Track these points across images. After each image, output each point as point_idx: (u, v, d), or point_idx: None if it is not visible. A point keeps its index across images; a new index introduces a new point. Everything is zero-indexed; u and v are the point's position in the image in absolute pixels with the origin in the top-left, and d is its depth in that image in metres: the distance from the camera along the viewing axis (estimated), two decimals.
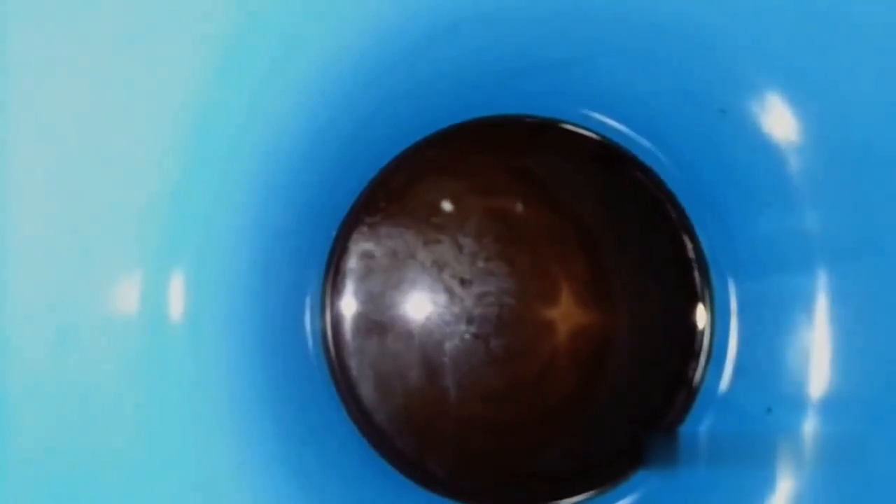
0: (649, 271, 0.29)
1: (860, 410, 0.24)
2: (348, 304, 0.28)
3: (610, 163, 0.29)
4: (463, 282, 0.28)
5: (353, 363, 0.28)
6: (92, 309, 0.21)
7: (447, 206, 0.29)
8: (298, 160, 0.24)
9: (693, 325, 0.29)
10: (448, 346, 0.28)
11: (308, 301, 0.28)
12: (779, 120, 0.24)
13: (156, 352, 0.21)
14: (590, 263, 0.29)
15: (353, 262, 0.28)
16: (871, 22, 0.22)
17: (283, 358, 0.26)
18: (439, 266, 0.28)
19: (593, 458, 0.29)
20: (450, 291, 0.28)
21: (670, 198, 0.29)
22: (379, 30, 0.22)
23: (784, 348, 0.25)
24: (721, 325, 0.28)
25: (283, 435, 0.25)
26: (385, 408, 0.28)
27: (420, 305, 0.28)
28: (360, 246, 0.28)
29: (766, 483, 0.24)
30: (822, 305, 0.24)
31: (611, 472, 0.28)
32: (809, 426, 0.24)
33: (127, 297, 0.21)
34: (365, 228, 0.28)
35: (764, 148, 0.24)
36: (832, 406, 0.24)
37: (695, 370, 0.28)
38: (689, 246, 0.29)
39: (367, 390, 0.28)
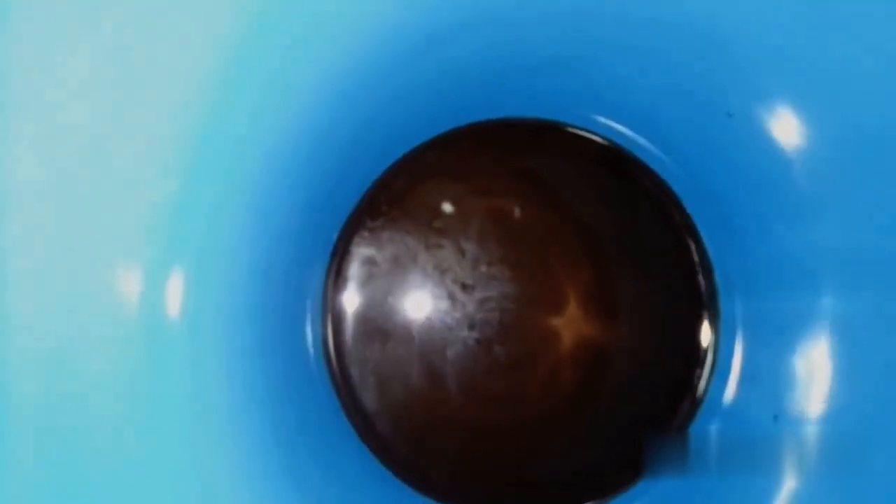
0: (654, 277, 0.29)
1: (864, 424, 0.24)
2: (349, 310, 0.28)
3: (615, 166, 0.29)
4: (465, 287, 0.28)
5: (354, 369, 0.28)
6: (91, 311, 0.21)
7: (449, 209, 0.28)
8: (299, 163, 0.24)
9: (698, 331, 0.28)
10: (450, 352, 0.28)
11: (309, 306, 0.28)
12: (788, 128, 0.23)
13: (154, 357, 0.21)
14: (594, 268, 0.29)
15: (354, 267, 0.28)
16: (887, 32, 0.21)
17: (283, 363, 0.26)
18: (441, 271, 0.28)
19: (597, 466, 0.28)
20: (452, 297, 0.28)
21: (675, 202, 0.29)
22: (380, 31, 0.22)
23: (790, 357, 0.25)
24: (726, 332, 0.28)
25: (283, 441, 0.24)
26: (386, 414, 0.28)
27: (422, 311, 0.28)
28: (362, 250, 0.28)
29: (773, 489, 0.24)
30: (830, 315, 0.24)
31: (614, 480, 0.28)
32: (814, 434, 0.24)
33: (126, 301, 0.21)
34: (366, 233, 0.28)
35: (773, 155, 0.24)
36: (837, 417, 0.24)
37: (699, 378, 0.28)
38: (695, 251, 0.29)
39: (368, 396, 0.28)
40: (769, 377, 0.26)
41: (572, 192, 0.29)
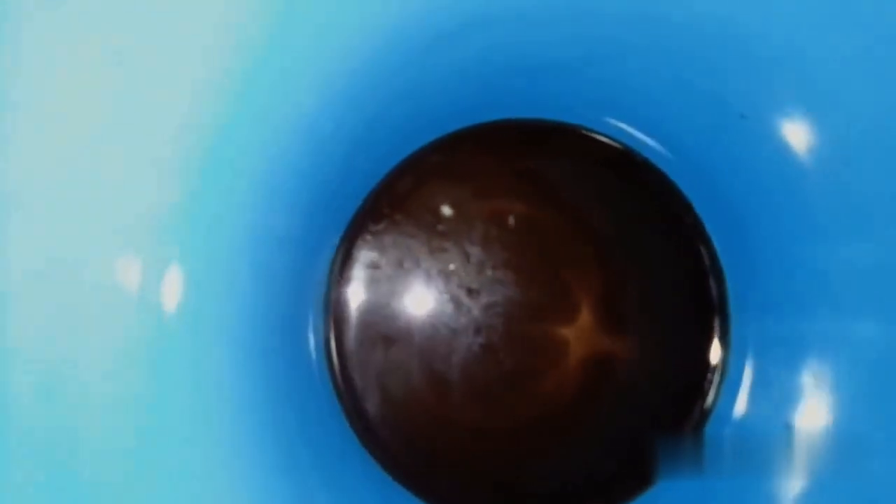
0: (663, 282, 0.28)
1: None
2: (352, 314, 0.28)
3: (623, 168, 0.28)
4: (470, 291, 0.27)
5: (356, 374, 0.27)
6: (91, 311, 0.20)
7: (454, 212, 0.28)
8: (300, 165, 0.24)
9: (708, 338, 0.28)
10: (454, 357, 0.27)
11: (311, 311, 0.27)
12: (803, 132, 0.23)
13: (155, 359, 0.21)
14: (602, 273, 0.28)
15: (357, 271, 0.28)
16: None
17: (284, 368, 0.26)
18: (446, 275, 0.27)
19: (604, 474, 0.28)
20: (456, 301, 0.27)
21: (686, 205, 0.28)
22: (384, 31, 0.22)
23: (801, 370, 0.24)
24: (737, 338, 0.27)
25: (283, 445, 0.24)
26: (388, 419, 0.27)
27: (425, 315, 0.27)
28: (365, 254, 0.28)
29: (784, 492, 0.24)
30: (840, 333, 0.24)
31: (622, 488, 0.27)
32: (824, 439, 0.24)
33: (126, 303, 0.21)
34: (369, 236, 0.28)
35: (787, 160, 0.23)
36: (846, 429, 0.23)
37: (709, 386, 0.28)
38: (706, 256, 0.28)
39: (370, 401, 0.27)
40: (779, 388, 0.25)
41: (579, 194, 0.29)
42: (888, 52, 0.21)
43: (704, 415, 0.27)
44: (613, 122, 0.28)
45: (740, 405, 0.27)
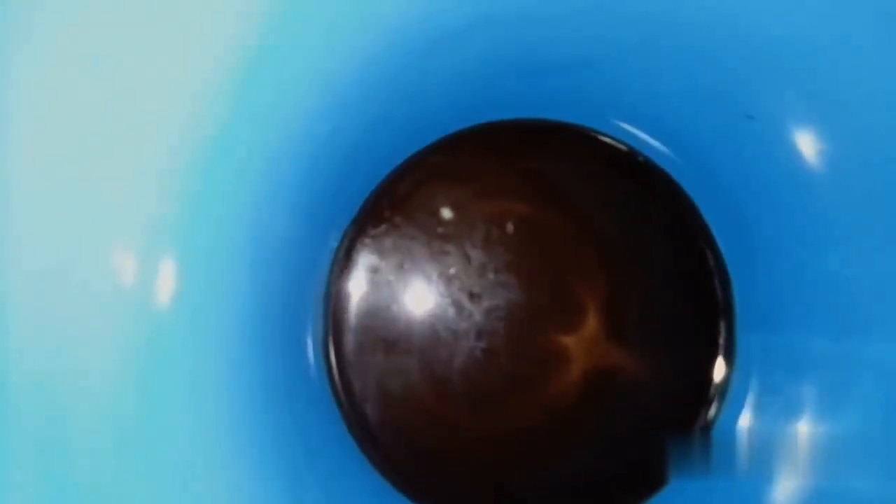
0: (667, 285, 0.28)
1: None
2: (351, 319, 0.27)
3: (627, 170, 0.28)
4: (472, 295, 0.27)
5: (356, 380, 0.27)
6: (88, 309, 0.20)
7: (455, 215, 0.27)
8: (301, 167, 0.23)
9: (713, 345, 0.27)
10: (456, 362, 0.27)
11: (309, 315, 0.27)
12: (810, 139, 0.22)
13: (152, 363, 0.21)
14: (605, 276, 0.28)
15: (357, 275, 0.27)
16: None
17: (282, 374, 0.26)
18: (447, 279, 0.27)
19: (608, 481, 0.27)
20: (458, 305, 0.27)
21: (691, 208, 0.27)
22: (386, 32, 0.22)
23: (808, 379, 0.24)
24: (742, 345, 0.27)
25: (281, 453, 0.24)
26: (390, 427, 0.27)
27: (427, 320, 0.27)
28: (364, 258, 0.27)
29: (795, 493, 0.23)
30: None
31: (626, 495, 0.27)
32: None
33: (122, 308, 0.20)
34: (369, 239, 0.27)
35: (796, 163, 0.23)
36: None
37: (714, 394, 0.27)
38: (711, 259, 0.27)
39: (370, 407, 0.27)
40: (784, 398, 0.25)
41: (583, 196, 0.28)
42: None
43: (709, 423, 0.27)
44: (617, 122, 0.27)
45: (744, 416, 0.26)
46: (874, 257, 0.22)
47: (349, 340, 0.27)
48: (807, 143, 0.23)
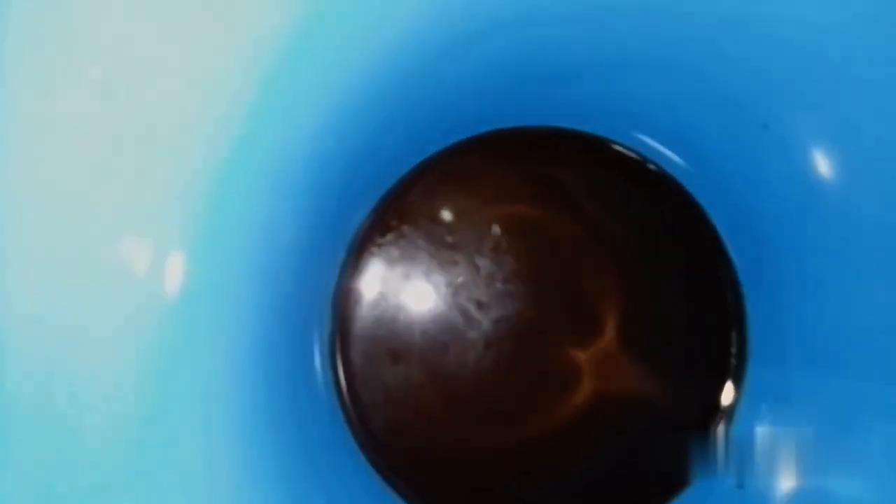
0: (679, 295, 0.28)
1: None
2: (359, 330, 0.27)
3: (640, 180, 0.27)
4: (480, 305, 0.27)
5: (363, 392, 0.27)
6: (92, 307, 0.20)
7: (463, 223, 0.27)
8: (309, 175, 0.23)
9: (725, 352, 0.27)
10: (464, 373, 0.27)
11: (317, 326, 0.27)
12: (826, 157, 0.22)
13: (157, 368, 0.21)
14: (615, 286, 0.27)
15: (364, 285, 0.27)
16: None
17: (289, 386, 0.25)
18: (455, 288, 0.27)
19: (615, 494, 0.27)
20: (466, 315, 0.27)
21: (703, 218, 0.27)
22: (396, 39, 0.21)
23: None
24: (755, 356, 0.26)
25: (287, 463, 0.24)
26: (398, 439, 0.27)
27: (434, 330, 0.27)
28: (372, 267, 0.27)
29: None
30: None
31: None
32: None
33: (125, 314, 0.20)
34: (376, 249, 0.27)
35: (812, 177, 0.22)
36: None
37: (723, 414, 0.27)
38: (723, 270, 0.27)
39: (378, 421, 0.27)
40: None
41: (592, 205, 0.28)
42: None
43: (718, 438, 0.27)
44: (630, 131, 0.27)
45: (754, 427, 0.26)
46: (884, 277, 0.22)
47: (356, 349, 0.27)
48: (822, 165, 0.22)
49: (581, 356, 0.27)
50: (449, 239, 0.27)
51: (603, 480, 0.27)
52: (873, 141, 0.21)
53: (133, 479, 0.20)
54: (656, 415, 0.27)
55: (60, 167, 0.19)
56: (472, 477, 0.27)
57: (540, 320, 0.27)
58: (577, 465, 0.27)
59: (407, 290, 0.27)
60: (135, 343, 0.20)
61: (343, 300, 0.27)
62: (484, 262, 0.27)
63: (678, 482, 0.26)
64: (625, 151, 0.27)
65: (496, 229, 0.27)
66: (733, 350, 0.27)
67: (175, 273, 0.21)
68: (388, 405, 0.27)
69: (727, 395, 0.27)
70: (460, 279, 0.27)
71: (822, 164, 0.22)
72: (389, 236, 0.27)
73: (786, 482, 0.24)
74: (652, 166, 0.27)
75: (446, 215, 0.27)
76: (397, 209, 0.27)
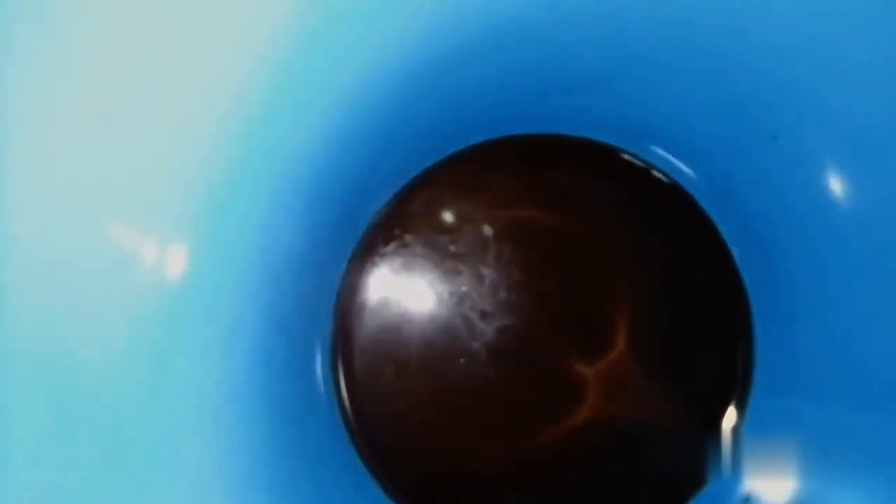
0: (685, 307, 0.27)
1: None
2: (361, 340, 0.27)
3: (646, 190, 0.27)
4: (483, 315, 0.26)
5: (364, 401, 0.27)
6: (93, 312, 0.20)
7: (466, 232, 0.27)
8: (311, 184, 0.23)
9: (732, 365, 0.26)
10: (467, 384, 0.26)
11: (318, 337, 0.26)
12: (840, 177, 0.22)
13: (154, 379, 0.21)
14: (621, 297, 0.27)
15: (366, 295, 0.27)
16: None
17: (291, 398, 0.25)
18: (458, 298, 0.26)
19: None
20: (469, 325, 0.26)
21: (711, 228, 0.27)
22: (402, 49, 0.21)
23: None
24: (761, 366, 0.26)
25: (287, 482, 0.23)
26: (399, 450, 0.26)
27: (438, 340, 0.26)
28: (374, 277, 0.27)
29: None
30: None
31: None
32: None
33: (124, 312, 0.20)
34: (379, 258, 0.27)
35: (822, 192, 0.22)
36: None
37: (734, 413, 0.26)
38: (730, 277, 0.27)
39: (380, 431, 0.26)
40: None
41: (599, 214, 0.27)
42: None
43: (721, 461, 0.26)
44: (639, 141, 0.27)
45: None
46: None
47: (358, 359, 0.26)
48: (833, 172, 0.22)
49: (588, 368, 0.27)
50: (452, 248, 0.27)
51: (607, 494, 0.27)
52: (885, 152, 0.21)
53: (122, 481, 0.20)
54: (661, 428, 0.27)
55: (64, 159, 0.19)
56: (475, 489, 0.27)
57: (545, 331, 0.26)
58: (581, 478, 0.27)
59: (409, 300, 0.27)
60: (128, 342, 0.20)
61: (345, 309, 0.27)
62: (488, 272, 0.27)
63: (683, 496, 0.26)
64: (633, 161, 0.27)
65: (488, 230, 0.26)
66: (740, 363, 0.26)
67: (173, 275, 0.21)
68: (389, 415, 0.26)
69: (733, 409, 0.26)
70: (464, 288, 0.27)
71: (834, 176, 0.22)
72: (392, 245, 0.27)
73: (792, 494, 0.23)
74: (661, 176, 0.27)
75: (450, 224, 0.27)
76: (400, 218, 0.27)
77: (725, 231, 0.26)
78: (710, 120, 0.24)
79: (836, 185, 0.22)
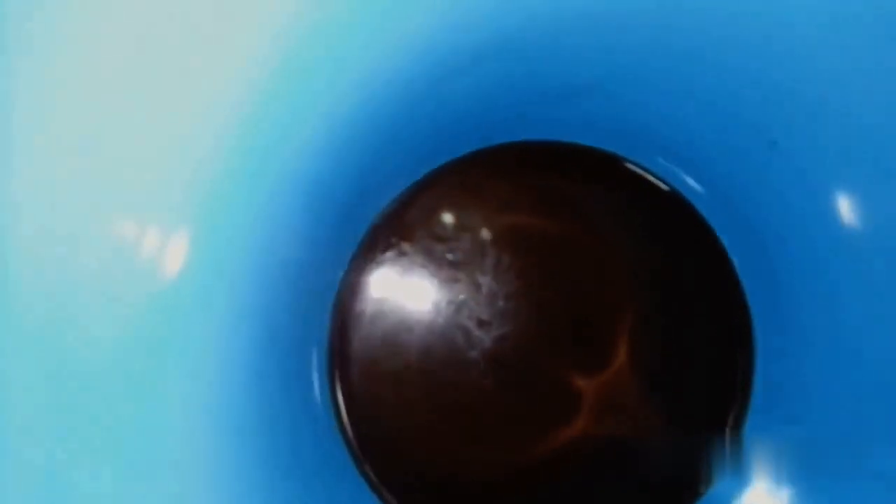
0: (685, 316, 0.27)
1: None
2: (358, 348, 0.26)
3: (649, 197, 0.27)
4: (481, 323, 0.26)
5: (361, 410, 0.26)
6: (90, 310, 0.19)
7: (464, 240, 0.26)
8: (309, 191, 0.23)
9: (732, 376, 0.26)
10: (464, 393, 0.26)
11: (314, 347, 0.26)
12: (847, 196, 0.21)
13: (147, 385, 0.20)
14: (620, 306, 0.27)
15: (362, 303, 0.26)
16: None
17: (286, 409, 0.25)
18: (456, 306, 0.26)
19: None
20: (467, 334, 0.26)
21: (713, 238, 0.26)
22: (400, 57, 0.21)
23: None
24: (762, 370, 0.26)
25: (282, 493, 0.23)
26: (397, 460, 0.26)
27: (435, 349, 0.26)
28: (371, 286, 0.26)
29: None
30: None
31: None
32: None
33: (120, 312, 0.20)
34: (375, 267, 0.26)
35: (821, 201, 0.22)
36: None
37: (734, 424, 0.26)
38: (731, 288, 0.26)
39: (377, 441, 0.26)
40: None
41: (599, 223, 0.27)
42: None
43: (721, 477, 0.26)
44: (641, 149, 0.26)
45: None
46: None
47: (354, 366, 0.26)
48: (834, 181, 0.22)
49: (587, 378, 0.26)
50: (450, 256, 0.26)
51: (613, 497, 0.27)
52: (886, 159, 0.21)
53: (112, 480, 0.20)
54: (660, 438, 0.26)
55: (64, 157, 0.19)
56: (472, 498, 0.27)
57: (544, 340, 0.26)
58: (579, 489, 0.26)
59: (407, 308, 0.26)
60: (125, 342, 0.20)
61: (341, 318, 0.26)
62: (486, 280, 0.26)
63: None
64: (633, 168, 0.27)
65: (487, 237, 0.26)
66: (740, 372, 0.26)
67: (170, 276, 0.20)
68: (386, 424, 0.26)
69: (733, 418, 0.26)
70: (461, 297, 0.26)
71: (835, 184, 0.22)
72: (390, 252, 0.27)
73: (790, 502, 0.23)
74: (661, 184, 0.27)
75: (448, 231, 0.27)
76: (397, 226, 0.26)
77: (726, 239, 0.26)
78: (711, 127, 0.24)
79: (837, 192, 0.22)
